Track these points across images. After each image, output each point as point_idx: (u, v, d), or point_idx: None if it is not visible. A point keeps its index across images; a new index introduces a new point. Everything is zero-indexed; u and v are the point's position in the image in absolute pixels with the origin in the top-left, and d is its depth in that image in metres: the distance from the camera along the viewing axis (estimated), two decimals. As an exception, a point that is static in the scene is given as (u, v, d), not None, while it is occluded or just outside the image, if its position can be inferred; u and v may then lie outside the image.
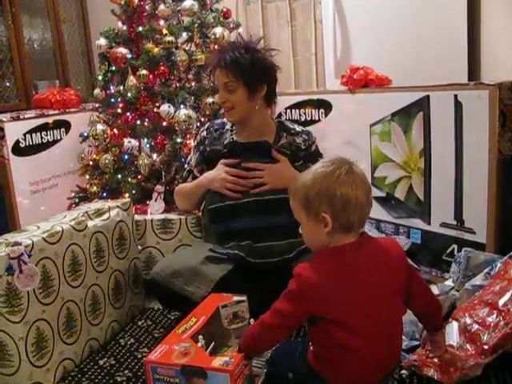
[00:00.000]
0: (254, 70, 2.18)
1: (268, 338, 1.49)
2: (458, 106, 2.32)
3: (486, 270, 2.03)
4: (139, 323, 2.37)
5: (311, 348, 1.50)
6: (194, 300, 1.92)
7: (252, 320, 1.68)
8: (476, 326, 1.74)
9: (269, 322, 1.45)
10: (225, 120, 2.40)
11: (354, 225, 1.41)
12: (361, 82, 2.78)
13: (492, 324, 1.72)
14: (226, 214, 2.19)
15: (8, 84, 3.86)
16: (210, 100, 2.90)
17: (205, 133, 2.41)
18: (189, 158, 2.50)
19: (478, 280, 2.02)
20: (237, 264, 2.09)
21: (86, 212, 2.19)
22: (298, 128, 2.38)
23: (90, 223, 2.16)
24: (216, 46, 3.04)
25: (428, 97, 2.43)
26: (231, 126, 2.36)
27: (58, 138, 3.50)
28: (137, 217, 2.53)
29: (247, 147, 2.25)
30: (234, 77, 2.17)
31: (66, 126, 3.57)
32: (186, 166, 2.50)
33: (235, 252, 2.10)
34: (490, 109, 2.19)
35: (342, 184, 1.38)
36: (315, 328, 1.44)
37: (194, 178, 2.41)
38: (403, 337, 1.74)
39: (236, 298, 1.75)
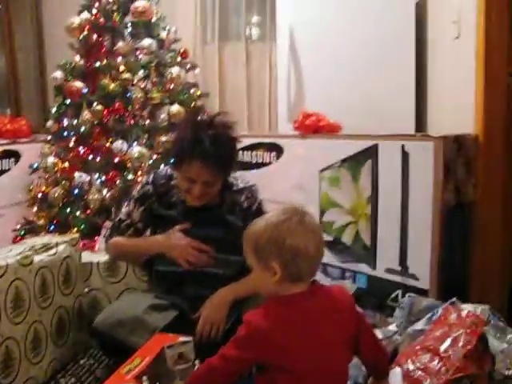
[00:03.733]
0: (234, 158, 2.14)
1: (211, 381, 1.48)
2: (405, 155, 2.40)
3: (428, 316, 2.08)
4: (81, 362, 2.31)
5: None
6: (138, 349, 1.89)
7: (197, 361, 1.67)
8: (419, 373, 1.77)
9: (214, 366, 1.44)
10: (169, 172, 2.23)
11: (303, 275, 1.41)
12: (312, 127, 2.85)
13: (434, 370, 1.75)
14: (172, 279, 2.15)
15: (-43, 111, 3.78)
16: (163, 138, 2.92)
17: (150, 187, 2.21)
18: (126, 209, 2.27)
19: (419, 325, 2.07)
20: (181, 312, 2.08)
21: (33, 247, 2.15)
22: (242, 183, 2.22)
23: (36, 258, 2.11)
24: (172, 86, 3.07)
25: (376, 146, 2.52)
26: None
27: (7, 168, 3.44)
28: (83, 258, 2.46)
29: (200, 214, 2.16)
30: (220, 171, 2.05)
31: (15, 156, 3.51)
32: (122, 216, 2.28)
33: (177, 302, 2.09)
34: (435, 160, 2.29)
35: (292, 234, 1.39)
36: (261, 375, 1.44)
37: (135, 231, 2.26)
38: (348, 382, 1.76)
39: (182, 339, 1.73)
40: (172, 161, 2.21)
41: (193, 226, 2.15)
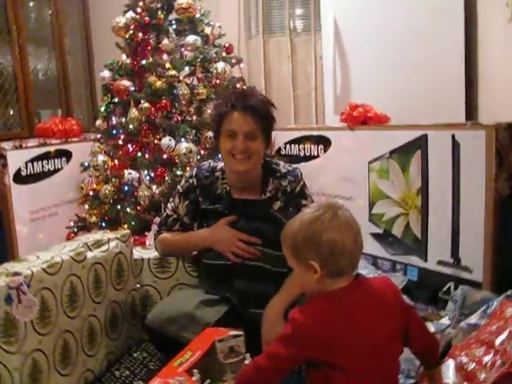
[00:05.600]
0: (272, 121, 2.15)
1: (261, 381, 1.47)
2: (456, 145, 2.35)
3: (482, 309, 2.03)
4: (135, 355, 2.36)
5: (308, 388, 1.49)
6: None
7: (248, 355, 1.68)
8: (473, 365, 1.74)
9: (262, 365, 1.44)
10: (213, 164, 2.25)
11: (344, 269, 1.40)
12: (360, 119, 2.82)
13: (489, 363, 1.71)
14: (222, 272, 2.15)
15: (11, 112, 3.91)
16: (210, 134, 2.94)
17: (194, 180, 2.23)
18: (171, 204, 2.30)
19: (473, 319, 2.03)
20: (231, 307, 2.10)
21: (86, 243, 2.20)
22: (284, 169, 2.22)
23: (89, 254, 2.16)
24: (218, 81, 3.10)
25: (426, 136, 2.47)
26: (222, 174, 2.22)
27: (59, 167, 3.53)
28: (134, 254, 2.50)
29: (246, 207, 2.17)
30: (260, 124, 2.07)
31: (67, 155, 3.61)
32: (168, 212, 2.31)
33: (228, 297, 2.09)
34: (487, 149, 2.23)
35: (327, 229, 1.37)
36: (313, 371, 1.43)
37: (182, 225, 2.29)
38: (399, 375, 1.74)
39: (232, 333, 1.74)
40: (213, 129, 2.24)
41: (239, 219, 2.15)
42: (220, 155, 2.20)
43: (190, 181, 2.25)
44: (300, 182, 2.21)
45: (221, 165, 2.22)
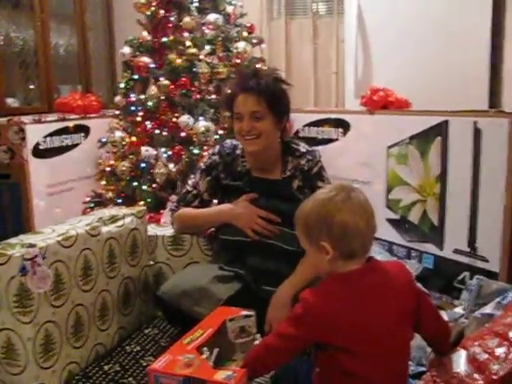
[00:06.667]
0: (283, 99, 2.15)
1: (270, 360, 1.47)
2: (477, 132, 2.31)
3: (497, 300, 2.01)
4: (146, 331, 2.37)
5: (317, 370, 1.49)
6: (201, 319, 1.92)
7: (258, 335, 1.68)
8: (485, 356, 1.72)
9: (271, 344, 1.44)
10: (235, 142, 2.27)
11: (356, 252, 1.39)
12: (380, 103, 2.79)
13: (502, 355, 1.69)
14: (238, 248, 2.16)
15: (32, 87, 3.92)
16: (229, 113, 2.92)
17: (217, 157, 2.26)
18: (193, 180, 2.33)
19: (488, 308, 2.00)
20: (245, 284, 2.10)
21: (101, 218, 2.20)
22: (303, 148, 2.23)
23: (104, 229, 2.17)
24: (238, 61, 3.07)
25: (447, 122, 2.43)
26: (242, 152, 2.24)
27: (78, 142, 3.55)
28: (149, 231, 2.51)
29: (267, 185, 2.18)
30: (265, 104, 2.07)
31: (85, 130, 3.62)
32: (188, 188, 2.34)
33: (242, 273, 2.10)
34: (510, 137, 2.19)
35: (340, 211, 1.36)
36: (322, 353, 1.43)
37: (201, 202, 2.31)
38: (410, 362, 1.73)
39: (244, 313, 1.74)
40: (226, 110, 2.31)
41: (260, 197, 2.16)
42: None
43: (213, 158, 2.28)
44: (318, 163, 2.21)
45: None
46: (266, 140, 2.11)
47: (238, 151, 2.25)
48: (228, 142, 2.32)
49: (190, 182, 2.35)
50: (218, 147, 2.32)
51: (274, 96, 2.10)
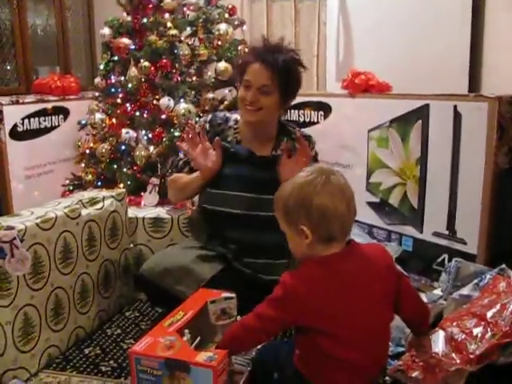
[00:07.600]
0: (295, 81, 2.15)
1: (246, 340, 1.48)
2: (457, 116, 2.33)
3: (475, 281, 2.04)
4: (127, 314, 2.37)
5: (297, 352, 1.50)
6: (183, 299, 1.91)
7: (239, 317, 1.69)
8: (463, 336, 1.75)
9: (249, 324, 1.44)
10: (228, 115, 2.29)
11: (335, 235, 1.39)
12: (361, 86, 2.79)
13: (479, 335, 1.72)
14: (220, 219, 2.15)
15: (9, 67, 3.84)
16: (210, 95, 2.91)
17: (207, 125, 2.26)
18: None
19: (466, 290, 2.03)
20: (227, 264, 2.09)
21: (80, 200, 2.19)
22: (299, 132, 2.22)
23: (84, 211, 2.16)
24: (219, 43, 3.05)
25: (428, 106, 2.44)
26: (235, 123, 2.25)
27: (56, 124, 3.49)
28: (129, 213, 2.50)
29: (252, 156, 2.18)
30: (277, 81, 2.06)
31: (64, 112, 3.56)
32: (180, 155, 2.35)
33: (223, 252, 2.10)
34: (489, 121, 2.21)
35: (319, 194, 1.36)
36: (302, 336, 1.44)
37: (191, 169, 2.31)
38: (389, 343, 1.75)
39: (225, 295, 1.75)
40: (236, 76, 2.29)
41: (242, 166, 2.15)
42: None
43: (203, 125, 2.27)
44: (313, 148, 2.27)
45: (235, 116, 2.25)
46: (266, 115, 2.12)
47: (231, 123, 2.26)
48: (221, 113, 2.33)
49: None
50: (209, 116, 2.32)
51: (287, 76, 2.10)
